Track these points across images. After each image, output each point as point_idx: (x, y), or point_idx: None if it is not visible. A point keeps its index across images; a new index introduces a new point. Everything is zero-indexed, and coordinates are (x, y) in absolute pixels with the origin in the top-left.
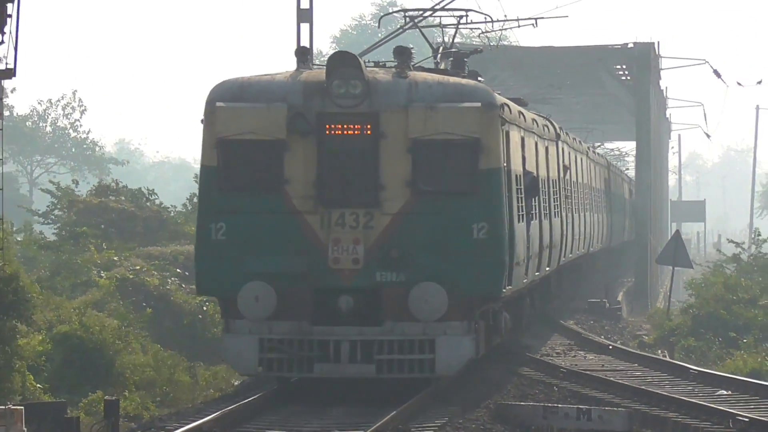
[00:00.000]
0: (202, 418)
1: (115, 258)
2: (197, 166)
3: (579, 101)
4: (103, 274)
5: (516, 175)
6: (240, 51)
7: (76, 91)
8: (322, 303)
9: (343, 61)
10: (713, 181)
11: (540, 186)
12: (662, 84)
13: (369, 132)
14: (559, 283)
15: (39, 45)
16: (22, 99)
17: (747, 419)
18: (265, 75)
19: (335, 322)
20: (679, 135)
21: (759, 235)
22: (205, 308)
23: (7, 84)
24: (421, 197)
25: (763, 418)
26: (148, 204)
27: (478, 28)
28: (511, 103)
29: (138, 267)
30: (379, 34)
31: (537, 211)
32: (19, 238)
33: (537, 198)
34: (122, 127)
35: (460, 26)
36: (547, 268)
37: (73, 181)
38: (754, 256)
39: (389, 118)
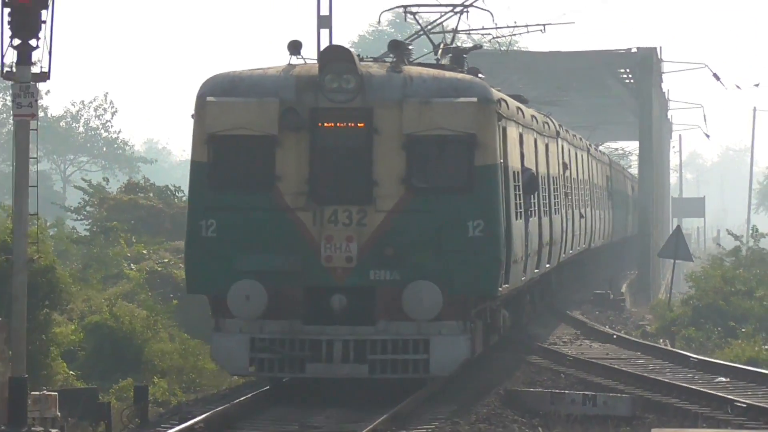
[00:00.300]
0: (215, 408)
1: (144, 252)
2: None
3: (585, 103)
4: (132, 267)
5: (514, 172)
6: (263, 51)
7: (107, 93)
8: (315, 302)
9: (336, 55)
10: (712, 179)
11: (539, 183)
12: (664, 87)
13: (362, 127)
14: (560, 279)
15: (72, 49)
16: (56, 101)
17: (745, 405)
18: (257, 69)
19: (328, 321)
20: (680, 135)
21: (757, 231)
22: None
23: (42, 86)
24: (415, 194)
25: (760, 404)
26: (175, 200)
27: (489, 34)
28: (509, 99)
29: (166, 260)
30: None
31: (536, 208)
32: (52, 233)
33: (536, 195)
34: (151, 127)
35: (471, 32)
36: (548, 265)
37: (104, 178)
38: (751, 250)
39: (383, 113)
